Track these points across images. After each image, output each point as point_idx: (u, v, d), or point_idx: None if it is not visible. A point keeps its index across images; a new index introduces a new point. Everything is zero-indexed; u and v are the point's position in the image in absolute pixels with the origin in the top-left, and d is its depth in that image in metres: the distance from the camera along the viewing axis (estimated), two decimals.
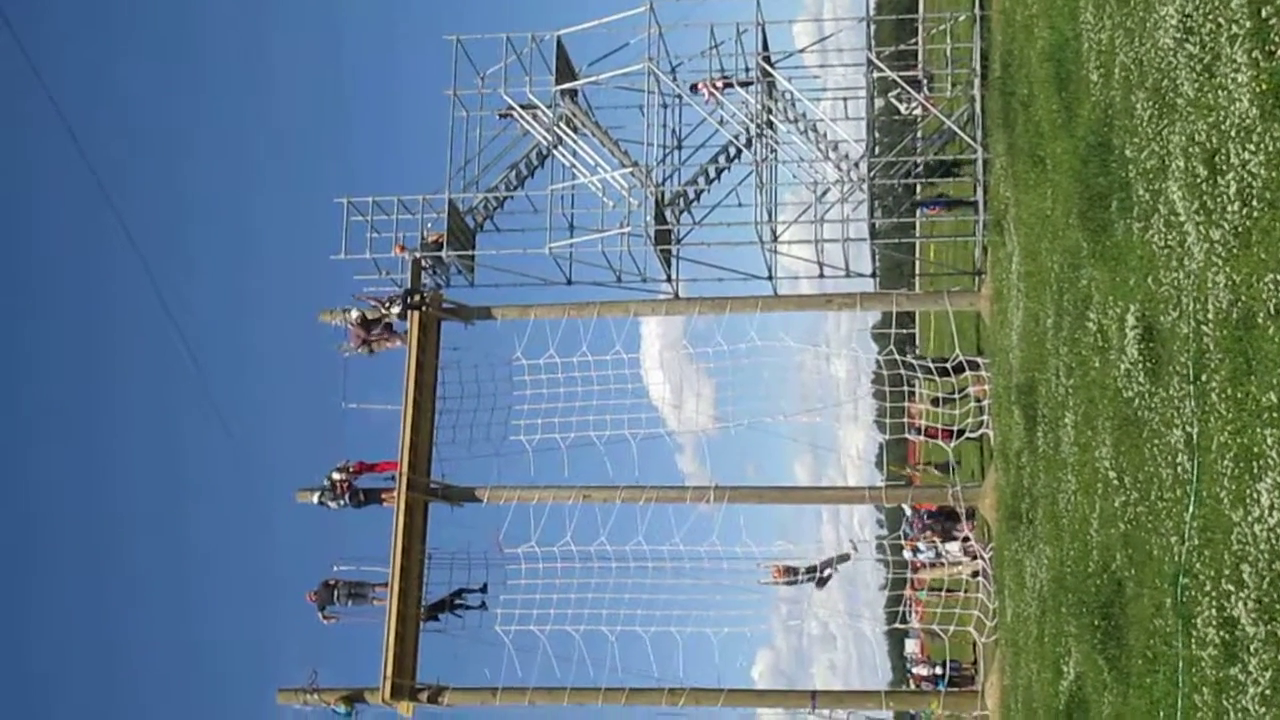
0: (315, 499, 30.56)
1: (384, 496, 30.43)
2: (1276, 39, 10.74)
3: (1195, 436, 12.63)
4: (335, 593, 30.67)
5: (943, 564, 33.42)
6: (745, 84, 31.34)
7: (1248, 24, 11.35)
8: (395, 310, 30.46)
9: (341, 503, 30.34)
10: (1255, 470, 10.97)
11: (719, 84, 31.34)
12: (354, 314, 30.72)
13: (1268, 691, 10.55)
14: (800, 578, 31.82)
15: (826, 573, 31.86)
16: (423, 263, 30.77)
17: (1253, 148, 11.23)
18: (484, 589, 30.97)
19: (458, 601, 30.98)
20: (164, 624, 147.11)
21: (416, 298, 30.30)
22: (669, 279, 31.07)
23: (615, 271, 30.83)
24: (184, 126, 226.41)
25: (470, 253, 31.54)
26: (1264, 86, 10.97)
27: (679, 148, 32.64)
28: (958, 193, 36.35)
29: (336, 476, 30.48)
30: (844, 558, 32.53)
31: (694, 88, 31.51)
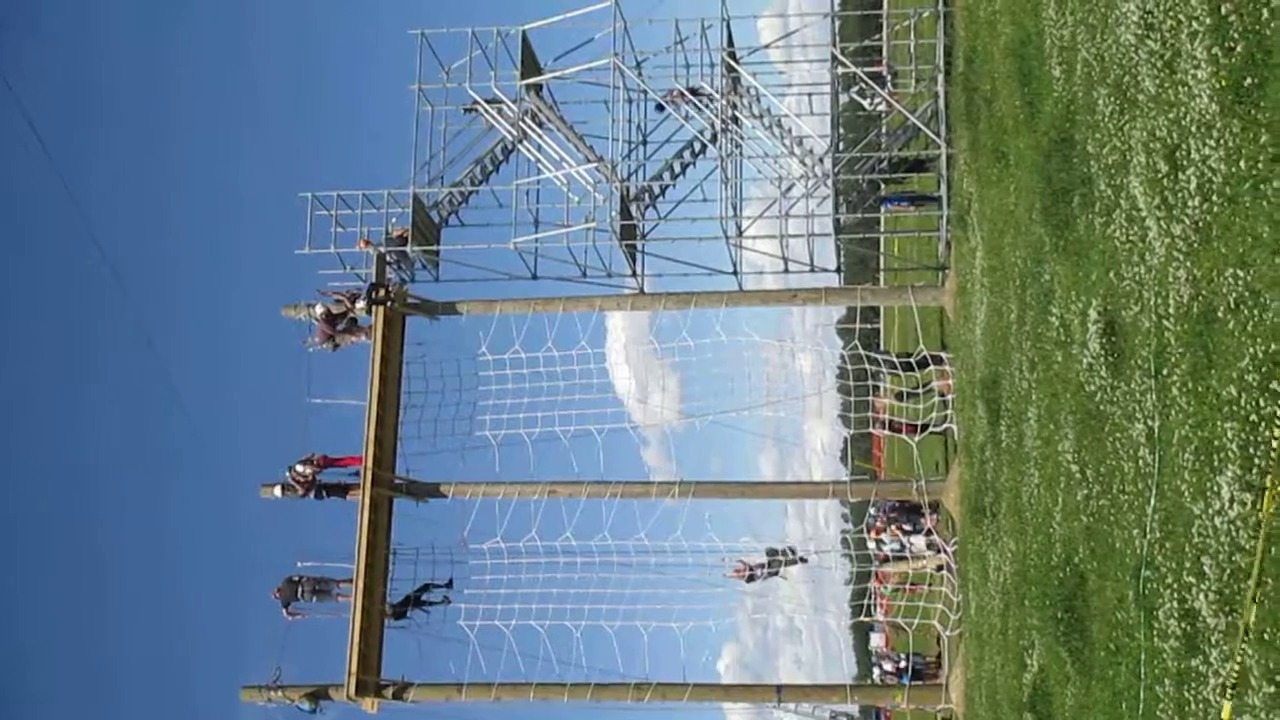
0: (278, 492, 30.46)
1: (349, 492, 30.37)
2: (1235, 35, 10.81)
3: (1157, 430, 12.72)
4: (299, 589, 30.57)
5: (907, 558, 33.54)
6: (698, 93, 31.42)
7: (1207, 21, 11.43)
8: (360, 305, 30.37)
9: (307, 496, 30.24)
10: (1216, 463, 11.05)
11: (684, 93, 31.45)
12: (318, 309, 30.61)
13: (1228, 682, 10.64)
14: (759, 573, 32.02)
15: (777, 569, 32.06)
16: (387, 257, 30.69)
17: (1213, 143, 11.31)
18: (449, 584, 30.92)
19: (424, 598, 30.91)
20: (128, 622, 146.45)
21: (381, 292, 30.22)
22: (634, 274, 31.07)
23: (580, 266, 30.80)
24: (148, 121, 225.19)
25: (435, 248, 31.47)
26: (1223, 83, 11.05)
27: (644, 143, 32.65)
28: (922, 188, 36.44)
29: (299, 468, 30.37)
30: (793, 560, 32.69)
31: (659, 107, 31.55)
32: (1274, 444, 9.36)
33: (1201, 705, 11.32)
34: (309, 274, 31.13)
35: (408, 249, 30.45)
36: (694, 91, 31.19)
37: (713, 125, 30.79)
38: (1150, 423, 12.92)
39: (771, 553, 32.72)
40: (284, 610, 30.54)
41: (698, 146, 31.65)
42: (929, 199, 33.84)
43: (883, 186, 32.25)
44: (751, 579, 32.19)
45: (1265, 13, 10.23)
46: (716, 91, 30.56)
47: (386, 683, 29.87)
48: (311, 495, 30.25)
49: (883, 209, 34.68)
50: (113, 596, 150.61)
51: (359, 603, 29.37)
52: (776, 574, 32.43)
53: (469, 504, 30.76)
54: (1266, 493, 9.35)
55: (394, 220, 30.83)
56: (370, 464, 29.76)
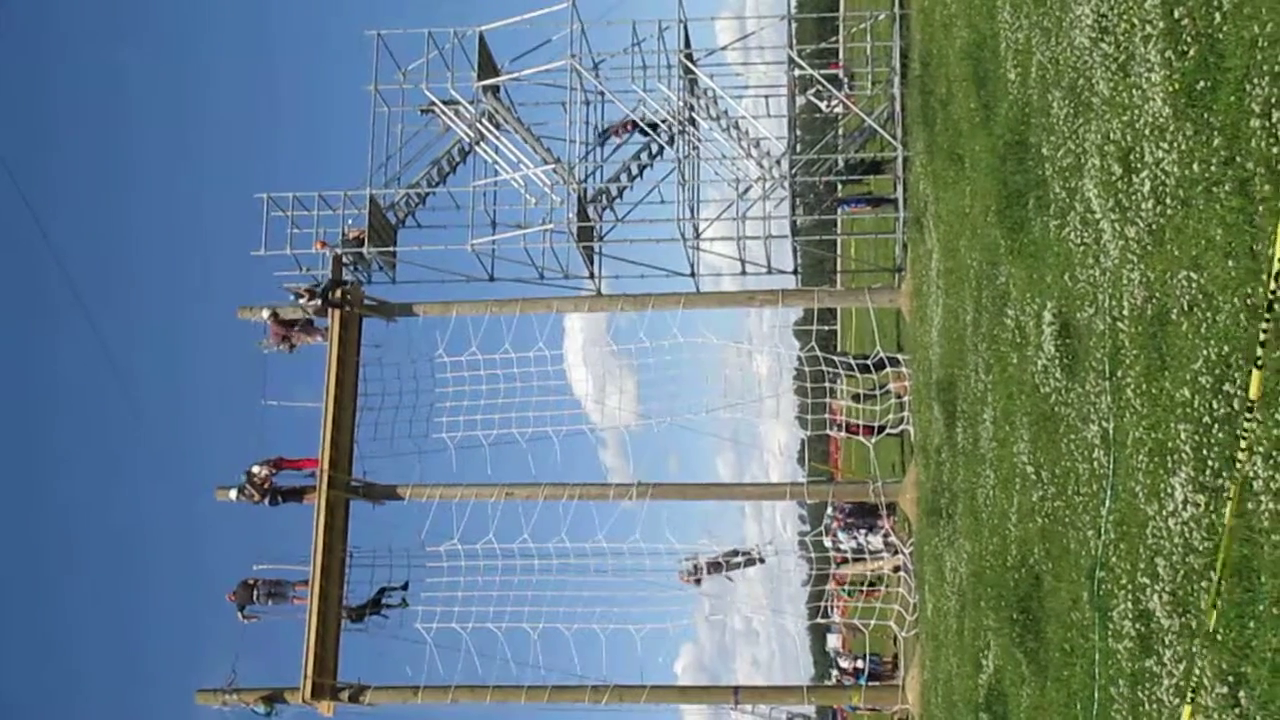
0: (233, 496, 30.28)
1: (305, 495, 30.21)
2: (1188, 39, 10.88)
3: (1111, 432, 12.78)
4: (255, 592, 30.38)
5: (864, 559, 33.65)
6: (652, 125, 31.47)
7: (1161, 24, 11.49)
8: (314, 305, 30.18)
9: (262, 502, 30.07)
10: (1169, 465, 11.11)
11: (629, 126, 31.58)
12: (264, 313, 30.53)
13: (1182, 683, 10.70)
14: (706, 573, 32.10)
15: (728, 570, 32.18)
16: (344, 259, 30.55)
17: (1166, 146, 11.37)
18: (405, 587, 30.81)
19: (383, 600, 30.80)
20: (82, 624, 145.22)
21: (338, 293, 30.04)
22: (591, 275, 31.06)
23: (538, 268, 30.77)
24: (101, 123, 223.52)
25: (392, 249, 31.38)
26: (1177, 86, 11.11)
27: (601, 144, 32.63)
28: (879, 190, 36.58)
29: (256, 469, 30.20)
30: (751, 561, 32.78)
31: (604, 136, 31.54)
32: (1239, 453, 9.42)
33: (1156, 706, 11.38)
34: (265, 275, 31.02)
35: (364, 250, 30.33)
36: (637, 126, 31.36)
37: (670, 127, 30.80)
38: (1105, 424, 12.99)
39: (731, 553, 32.80)
40: (239, 613, 30.34)
41: (655, 148, 31.66)
42: (886, 201, 33.99)
43: (840, 188, 32.34)
44: (699, 582, 32.28)
45: (1218, 17, 10.29)
46: (673, 93, 30.60)
47: (343, 685, 29.73)
48: (266, 502, 30.09)
49: (840, 211, 34.80)
50: (66, 598, 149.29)
51: (315, 605, 29.20)
52: (723, 572, 32.50)
53: (426, 506, 30.64)
54: (1230, 500, 9.41)
55: (350, 221, 30.73)
56: (326, 466, 29.59)
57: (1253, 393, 8.98)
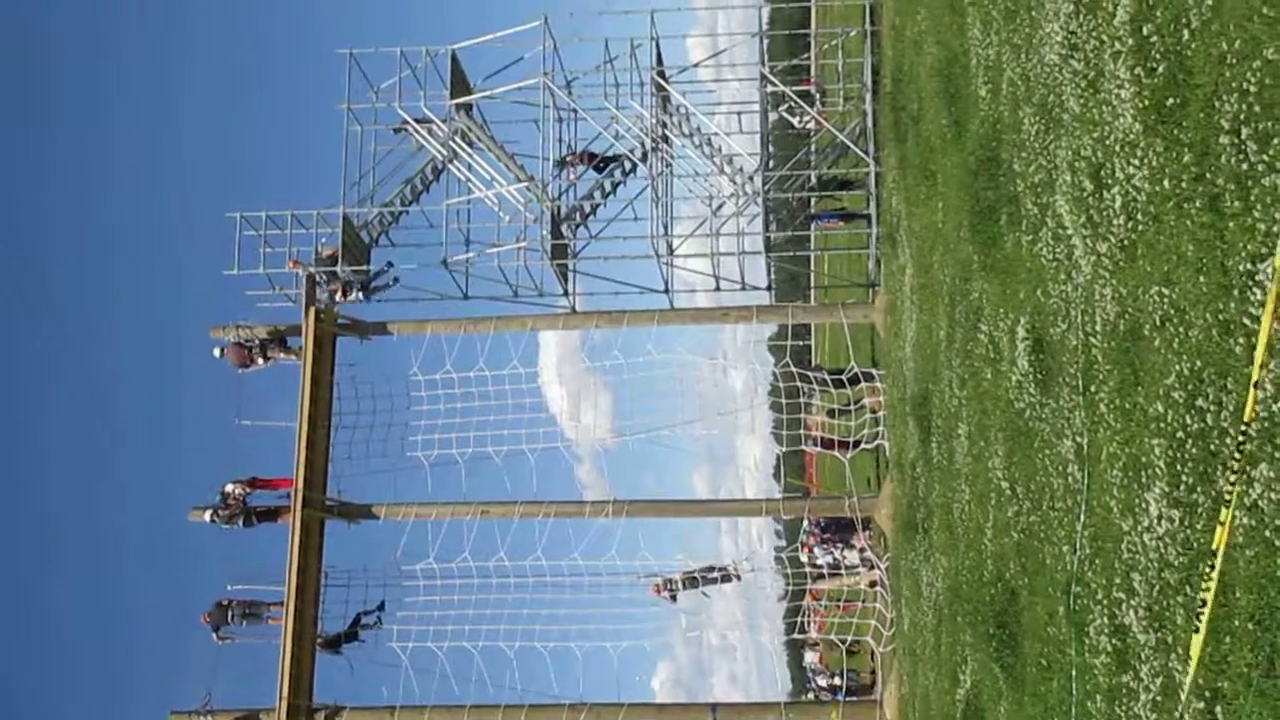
0: (208, 517, 30.13)
1: (280, 514, 30.09)
2: (1157, 56, 10.94)
3: (1085, 447, 12.81)
4: (229, 613, 30.21)
5: (840, 574, 33.67)
6: (609, 160, 31.54)
7: (1130, 41, 11.56)
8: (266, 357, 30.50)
9: (235, 525, 29.96)
10: (1144, 480, 11.14)
11: (584, 158, 31.65)
12: (215, 352, 30.65)
13: (1159, 698, 10.72)
14: (680, 587, 32.10)
15: (705, 586, 32.18)
16: (317, 278, 30.47)
17: (1136, 162, 11.42)
18: (381, 607, 30.69)
19: (361, 622, 30.69)
20: (56, 645, 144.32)
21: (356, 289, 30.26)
22: (566, 293, 31.06)
23: (512, 286, 30.74)
24: (75, 140, 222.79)
25: (366, 268, 31.30)
26: (1146, 103, 11.17)
27: (558, 173, 32.60)
28: (852, 205, 36.67)
29: (230, 488, 30.10)
30: (727, 578, 32.77)
31: (560, 165, 31.55)
32: (1230, 480, 9.45)
33: None
34: (238, 294, 30.94)
35: (338, 269, 30.26)
36: (598, 160, 31.43)
37: (643, 144, 30.83)
38: (1079, 439, 13.03)
39: (708, 569, 32.78)
40: (214, 634, 30.18)
41: (628, 165, 31.68)
42: (858, 216, 34.07)
43: (813, 204, 32.41)
44: (674, 596, 32.26)
45: (1186, 34, 10.35)
46: (617, 160, 30.77)
47: (318, 706, 29.55)
48: (240, 523, 29.97)
49: (813, 226, 34.87)
50: (39, 619, 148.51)
51: (290, 626, 29.05)
52: (698, 587, 32.49)
53: (401, 525, 30.54)
54: (1221, 529, 9.44)
55: (324, 240, 30.65)
56: (301, 486, 29.47)
57: (1247, 414, 9.01)
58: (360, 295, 30.84)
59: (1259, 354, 8.60)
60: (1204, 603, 8.50)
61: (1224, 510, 8.37)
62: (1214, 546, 8.64)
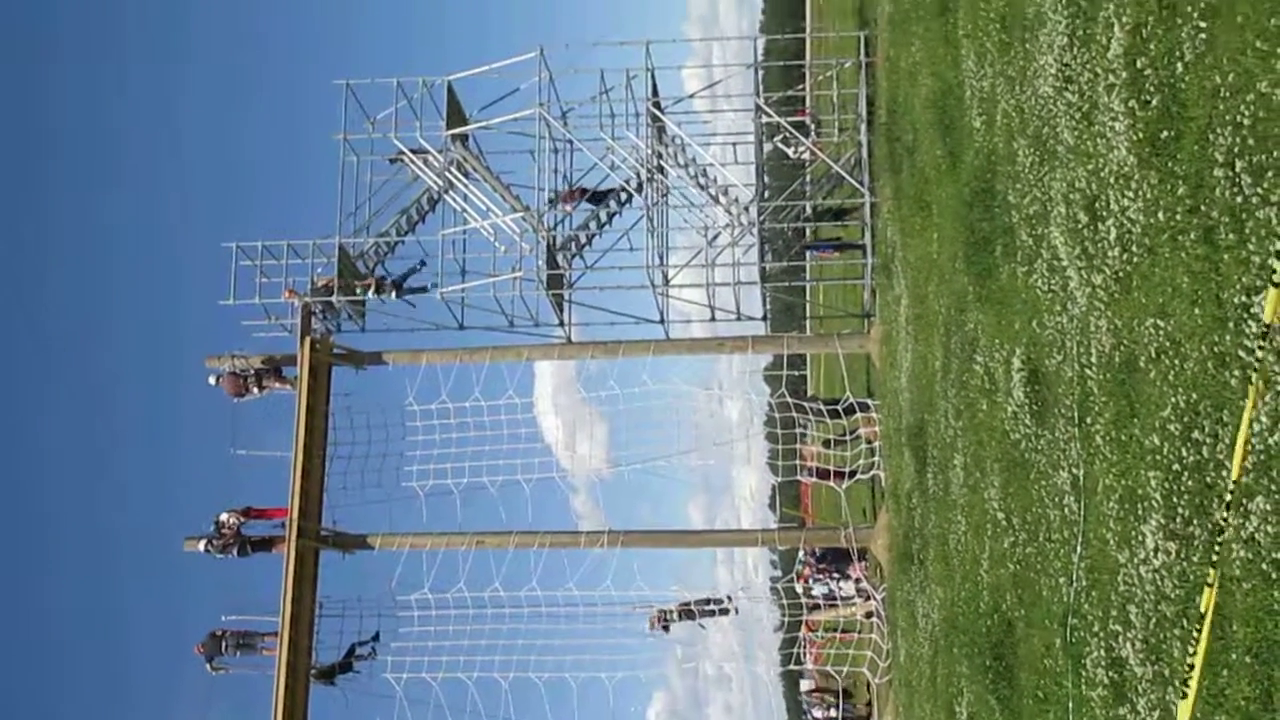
0: (202, 547, 30.07)
1: (274, 544, 30.03)
2: (1151, 89, 10.98)
3: (1081, 478, 12.81)
4: (224, 643, 30.13)
5: (836, 605, 33.57)
6: (601, 194, 31.64)
7: (1124, 74, 11.60)
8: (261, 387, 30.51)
9: (229, 555, 29.90)
10: (1140, 512, 11.13)
11: (577, 193, 31.73)
12: (210, 380, 30.65)
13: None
14: (675, 618, 32.02)
15: (701, 618, 32.12)
16: (312, 308, 30.46)
17: (1131, 194, 11.45)
18: (375, 637, 30.59)
19: (356, 652, 30.58)
20: (53, 677, 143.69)
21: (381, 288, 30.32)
22: (561, 323, 31.05)
23: (507, 316, 30.72)
24: (72, 171, 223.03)
25: (361, 297, 31.29)
26: (1141, 135, 11.21)
27: (551, 209, 32.64)
28: (848, 236, 36.74)
29: (224, 517, 30.06)
30: (724, 610, 32.70)
31: (554, 202, 31.63)
32: (1223, 515, 9.44)
33: None
34: (234, 324, 30.93)
35: (333, 299, 30.26)
36: (591, 196, 31.51)
37: (639, 174, 30.88)
38: (1075, 471, 13.02)
39: (704, 601, 32.71)
40: (208, 665, 30.09)
41: (622, 197, 31.72)
42: (854, 246, 34.13)
43: (808, 234, 32.44)
44: (667, 627, 32.18)
45: (1180, 67, 10.39)
46: (611, 193, 30.85)
47: None
48: (235, 553, 29.91)
49: (808, 256, 34.91)
50: (34, 649, 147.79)
51: (284, 656, 28.94)
52: (694, 619, 32.42)
53: (396, 555, 30.43)
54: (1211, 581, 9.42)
55: (319, 270, 30.66)
56: (296, 515, 29.40)
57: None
58: (393, 294, 30.82)
59: (1237, 459, 8.59)
60: (1192, 666, 8.45)
61: (1211, 572, 8.33)
62: (1203, 609, 8.60)
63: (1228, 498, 9.01)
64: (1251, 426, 9.03)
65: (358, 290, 30.68)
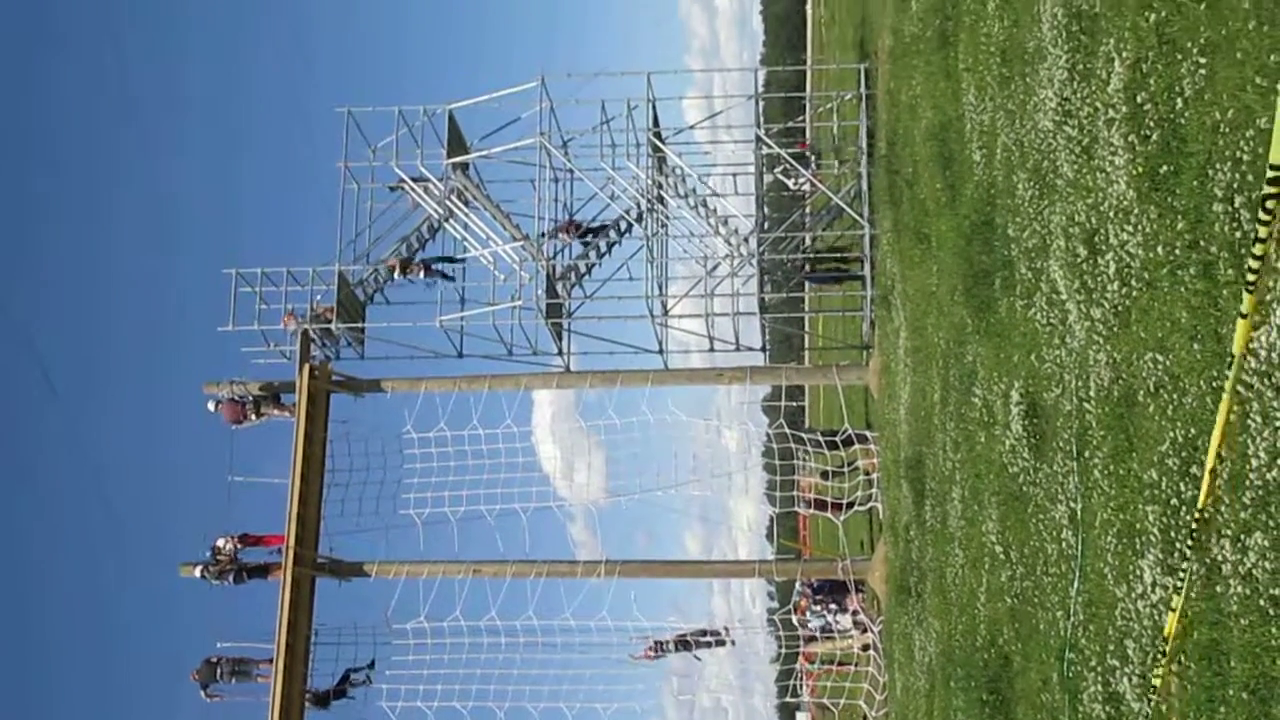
0: (198, 573, 30.02)
1: (270, 571, 29.97)
2: (1151, 123, 11.01)
3: (1079, 512, 12.79)
4: (218, 670, 30.06)
5: (833, 637, 33.47)
6: (591, 230, 31.68)
7: (1124, 108, 11.64)
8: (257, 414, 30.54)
9: (225, 581, 29.85)
10: (1138, 546, 11.12)
11: (572, 228, 31.81)
12: (209, 405, 30.64)
13: None
14: (670, 649, 31.94)
15: (697, 649, 32.05)
16: (311, 334, 30.47)
17: (1130, 229, 11.47)
18: (371, 665, 30.50)
19: (350, 679, 30.48)
20: (48, 701, 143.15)
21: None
22: (560, 352, 31.06)
23: (506, 345, 30.75)
24: (76, 202, 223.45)
25: (360, 325, 31.32)
26: (1140, 170, 11.23)
27: (572, 221, 32.75)
28: (847, 267, 36.77)
29: (220, 543, 30.02)
30: (721, 642, 32.64)
31: (548, 235, 31.71)
32: (1188, 556, 9.43)
33: None
34: (233, 350, 30.96)
35: (332, 326, 30.27)
36: (583, 231, 31.57)
37: (639, 204, 30.95)
38: (1073, 505, 13.00)
39: (700, 633, 32.65)
40: (203, 692, 30.00)
41: (624, 225, 31.79)
42: (853, 277, 34.17)
43: (807, 265, 32.47)
44: (661, 656, 32.11)
45: (1179, 102, 10.42)
46: (601, 230, 30.93)
47: None
48: (231, 580, 29.85)
49: (807, 286, 34.93)
50: (29, 674, 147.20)
51: (279, 684, 28.85)
52: (690, 649, 32.35)
53: (393, 583, 30.39)
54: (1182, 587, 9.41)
55: (319, 298, 30.69)
56: (292, 543, 29.35)
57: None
58: (420, 273, 30.89)
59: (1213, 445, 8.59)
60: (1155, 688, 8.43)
61: (1176, 597, 8.32)
62: (1165, 633, 8.59)
63: (1194, 527, 9.05)
64: (1220, 455, 9.06)
65: (381, 272, 30.81)
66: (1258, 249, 6.42)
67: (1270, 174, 5.51)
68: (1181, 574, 8.55)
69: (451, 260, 31.69)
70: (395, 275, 30.95)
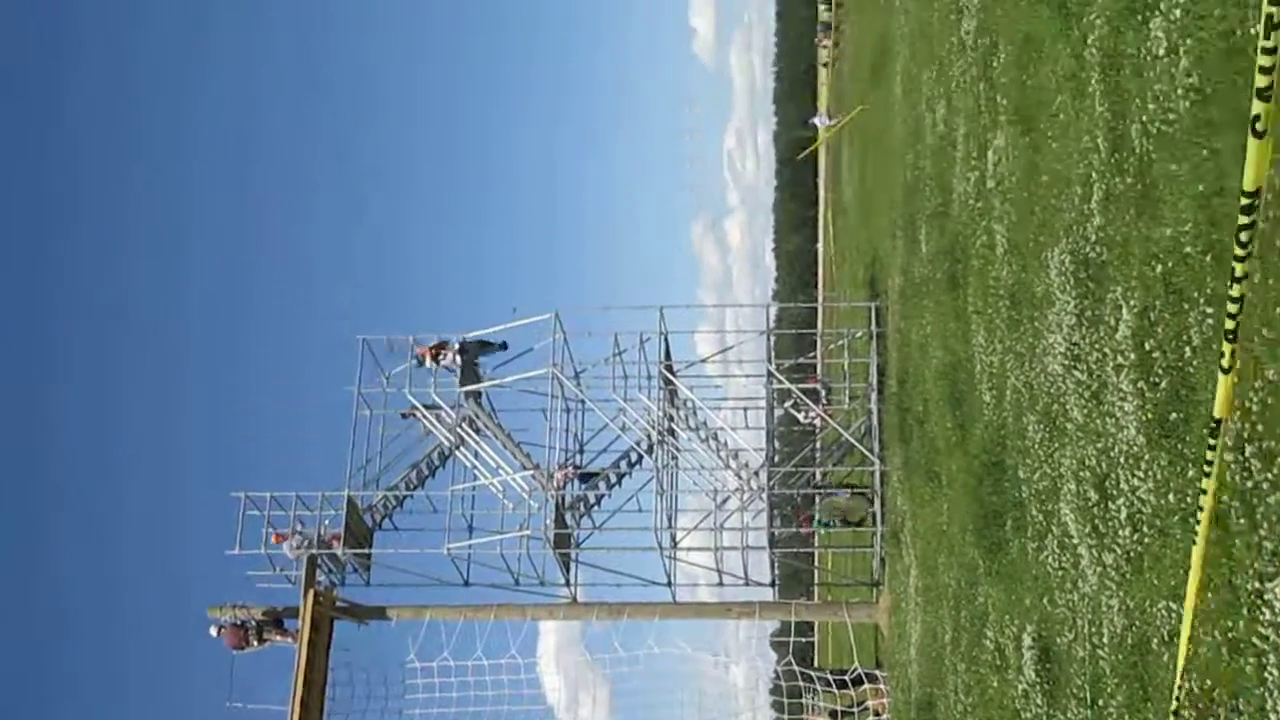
0: None
1: None
2: (1160, 371, 11.10)
3: None
4: None
5: None
6: (591, 475, 31.92)
7: (1132, 355, 11.75)
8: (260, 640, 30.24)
9: None
10: None
11: (570, 471, 32.04)
12: (212, 630, 30.36)
13: None
14: None
15: None
16: (318, 560, 30.29)
17: (1141, 474, 11.47)
18: None
19: None
20: None
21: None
22: (567, 583, 30.82)
23: (514, 574, 30.52)
24: (83, 419, 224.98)
25: (367, 551, 31.16)
26: (1150, 416, 11.28)
27: (581, 452, 32.84)
28: (855, 511, 36.69)
29: None
30: None
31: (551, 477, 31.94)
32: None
33: None
34: (239, 574, 30.75)
35: (338, 551, 30.13)
36: (582, 475, 31.78)
37: (649, 436, 31.07)
38: None
39: None
40: None
41: (634, 457, 31.85)
42: (861, 489, 34.07)
43: (817, 504, 32.40)
44: None
45: (1188, 351, 10.53)
46: (653, 403, 31.02)
47: None
48: None
49: (817, 501, 34.81)
50: None
51: None
52: None
53: None
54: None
55: (327, 523, 30.60)
56: None
57: None
58: (457, 358, 30.66)
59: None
60: None
61: None
62: None
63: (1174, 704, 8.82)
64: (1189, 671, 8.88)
65: (415, 360, 30.80)
66: (1234, 290, 6.28)
67: (1244, 201, 5.52)
68: None
69: (490, 346, 31.62)
70: (425, 362, 30.88)
